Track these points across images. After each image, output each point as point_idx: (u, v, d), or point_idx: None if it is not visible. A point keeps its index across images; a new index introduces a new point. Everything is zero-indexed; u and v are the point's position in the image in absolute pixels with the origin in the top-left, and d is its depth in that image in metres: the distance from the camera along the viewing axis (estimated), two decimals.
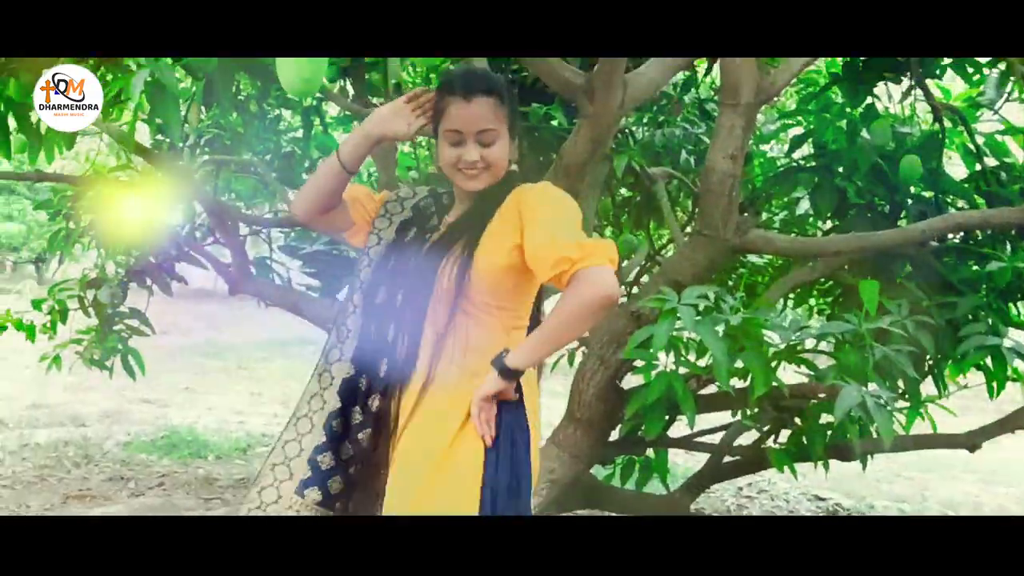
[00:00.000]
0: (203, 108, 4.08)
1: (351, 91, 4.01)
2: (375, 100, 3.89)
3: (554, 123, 3.89)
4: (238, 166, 4.56)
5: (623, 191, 4.69)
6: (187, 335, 11.32)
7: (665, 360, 2.75)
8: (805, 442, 3.18)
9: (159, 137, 4.30)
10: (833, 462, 3.39)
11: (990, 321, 3.10)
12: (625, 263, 4.27)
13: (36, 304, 4.38)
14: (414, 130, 2.05)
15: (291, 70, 1.90)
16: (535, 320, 2.08)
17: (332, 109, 4.81)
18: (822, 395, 2.86)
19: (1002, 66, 3.43)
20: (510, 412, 1.91)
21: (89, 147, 4.88)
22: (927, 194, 3.52)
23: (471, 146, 1.93)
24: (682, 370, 2.77)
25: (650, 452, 3.68)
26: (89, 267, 4.53)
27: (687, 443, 3.59)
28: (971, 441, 3.41)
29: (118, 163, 4.18)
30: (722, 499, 5.96)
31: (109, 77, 2.64)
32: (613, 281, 1.78)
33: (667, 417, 3.05)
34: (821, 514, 6.04)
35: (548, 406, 3.10)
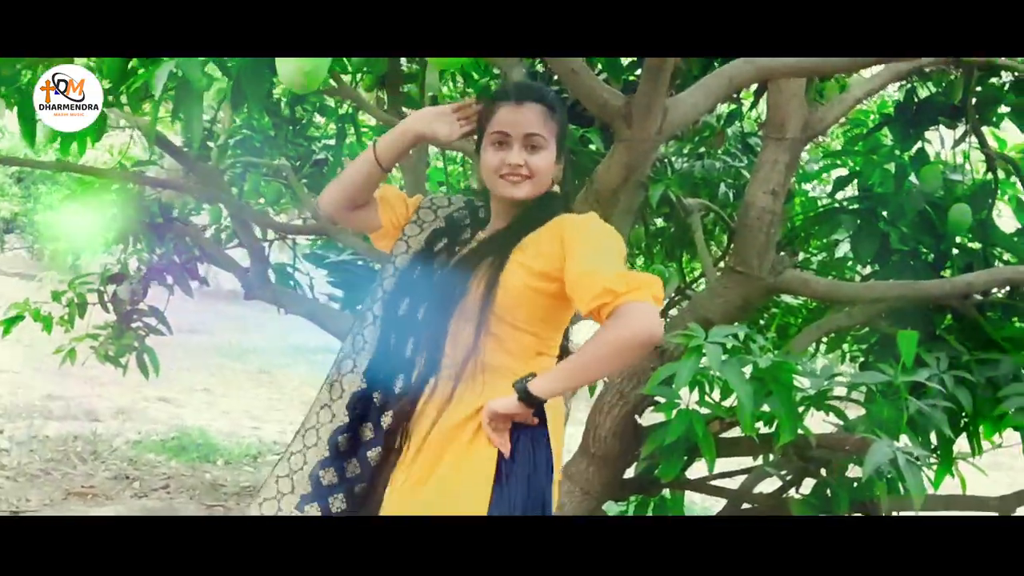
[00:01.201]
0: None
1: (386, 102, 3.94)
2: (410, 111, 3.81)
3: (592, 147, 3.79)
4: (268, 170, 4.50)
5: (658, 221, 4.57)
6: (212, 335, 11.27)
7: (687, 398, 2.62)
8: (829, 495, 3.04)
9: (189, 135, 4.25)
10: None
11: None
12: None
13: (56, 296, 4.36)
14: (456, 135, 1.97)
15: (291, 64, 1.81)
16: (564, 351, 1.98)
17: (372, 121, 4.74)
18: (850, 447, 2.72)
19: None
20: (530, 433, 1.82)
21: (120, 141, 4.86)
22: (975, 246, 3.38)
23: (517, 149, 1.86)
24: (704, 410, 2.66)
25: (666, 492, 3.54)
26: (112, 262, 4.50)
27: (704, 487, 3.44)
28: (1004, 507, 3.24)
29: (148, 158, 4.14)
30: None
31: (141, 70, 2.59)
32: (657, 320, 1.69)
33: (685, 458, 2.92)
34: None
35: (567, 433, 2.98)
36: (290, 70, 1.80)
